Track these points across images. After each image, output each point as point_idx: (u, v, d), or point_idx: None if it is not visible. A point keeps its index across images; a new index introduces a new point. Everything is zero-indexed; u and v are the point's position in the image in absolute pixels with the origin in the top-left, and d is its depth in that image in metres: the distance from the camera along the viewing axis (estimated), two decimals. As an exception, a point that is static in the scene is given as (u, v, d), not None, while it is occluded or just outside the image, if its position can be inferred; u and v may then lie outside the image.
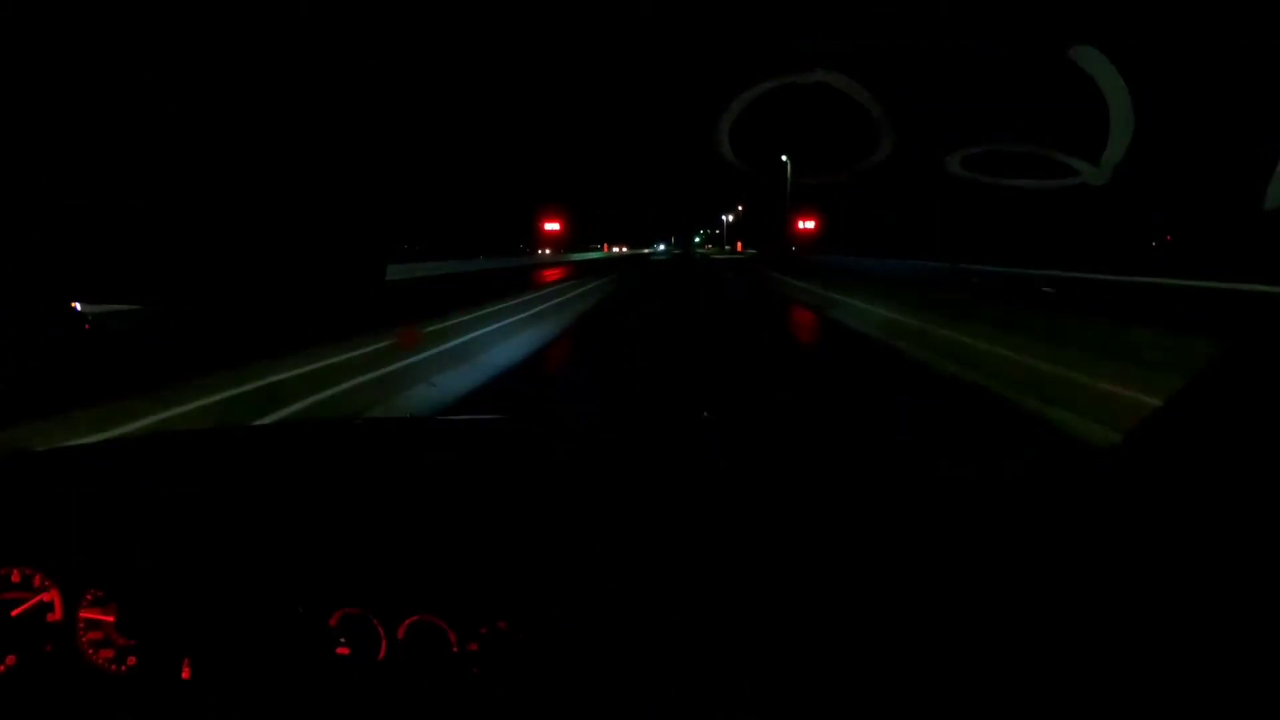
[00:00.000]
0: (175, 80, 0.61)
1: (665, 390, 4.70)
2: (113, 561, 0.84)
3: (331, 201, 0.70)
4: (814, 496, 0.90)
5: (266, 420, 3.72)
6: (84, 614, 0.83)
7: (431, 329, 7.37)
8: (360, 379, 4.91)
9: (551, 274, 23.27)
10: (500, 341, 7.23)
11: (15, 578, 0.85)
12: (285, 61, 0.65)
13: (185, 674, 0.78)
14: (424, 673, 0.74)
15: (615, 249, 73.84)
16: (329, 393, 4.49)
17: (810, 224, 38.27)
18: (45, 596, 0.84)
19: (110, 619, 0.82)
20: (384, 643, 0.75)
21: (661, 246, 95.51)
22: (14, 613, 0.83)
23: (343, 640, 0.76)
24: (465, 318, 8.75)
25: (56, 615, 0.84)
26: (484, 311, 9.42)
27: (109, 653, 0.82)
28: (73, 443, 1.20)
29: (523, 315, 9.57)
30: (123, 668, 0.81)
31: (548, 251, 44.62)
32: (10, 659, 0.83)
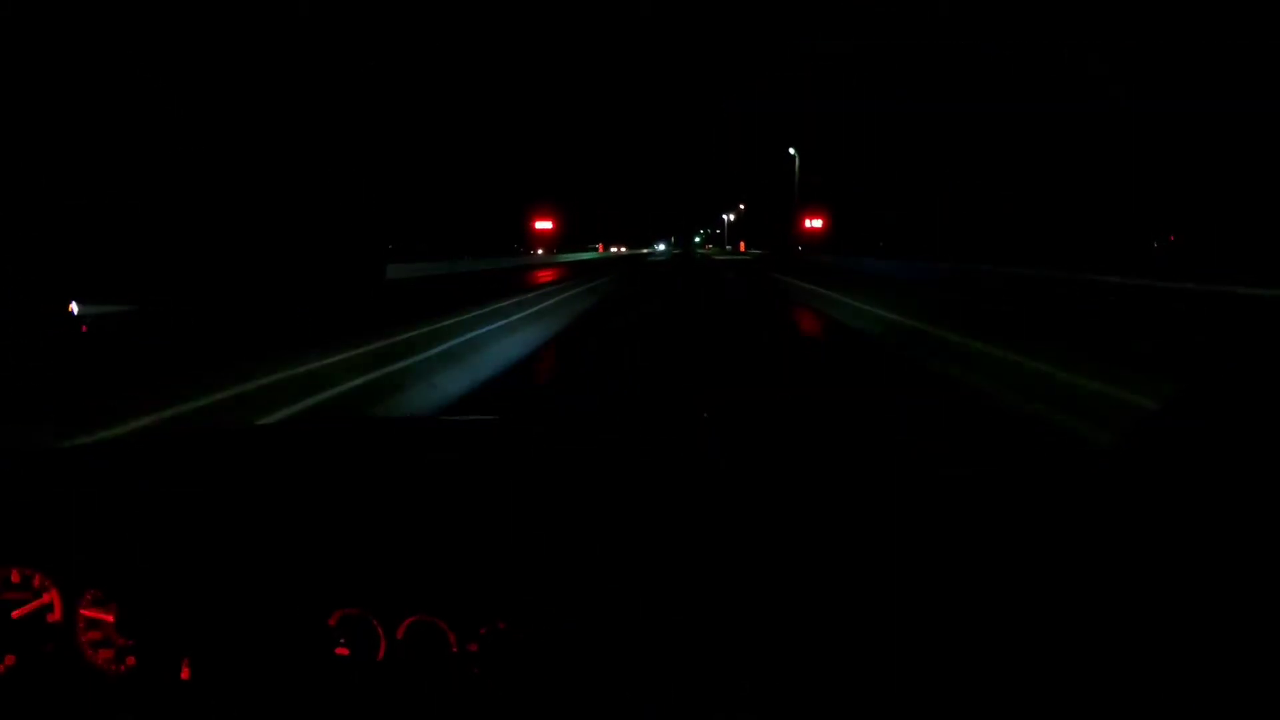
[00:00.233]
0: (175, 83, 0.61)
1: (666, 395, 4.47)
2: (112, 561, 0.84)
3: (331, 201, 0.70)
4: (814, 496, 0.90)
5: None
6: (84, 614, 0.83)
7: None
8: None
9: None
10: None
11: (15, 578, 0.85)
12: (285, 62, 0.65)
13: (185, 674, 0.78)
14: (423, 673, 0.74)
15: (614, 249, 73.18)
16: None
17: (818, 223, 37.70)
18: (45, 597, 0.84)
19: (110, 619, 0.82)
20: (383, 643, 0.75)
21: (661, 246, 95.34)
22: (14, 613, 0.83)
23: (342, 640, 0.76)
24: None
25: (56, 615, 0.84)
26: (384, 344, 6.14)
27: (109, 653, 0.82)
28: (72, 443, 1.20)
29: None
30: (122, 668, 0.81)
31: (540, 252, 43.67)
32: (10, 659, 0.83)
